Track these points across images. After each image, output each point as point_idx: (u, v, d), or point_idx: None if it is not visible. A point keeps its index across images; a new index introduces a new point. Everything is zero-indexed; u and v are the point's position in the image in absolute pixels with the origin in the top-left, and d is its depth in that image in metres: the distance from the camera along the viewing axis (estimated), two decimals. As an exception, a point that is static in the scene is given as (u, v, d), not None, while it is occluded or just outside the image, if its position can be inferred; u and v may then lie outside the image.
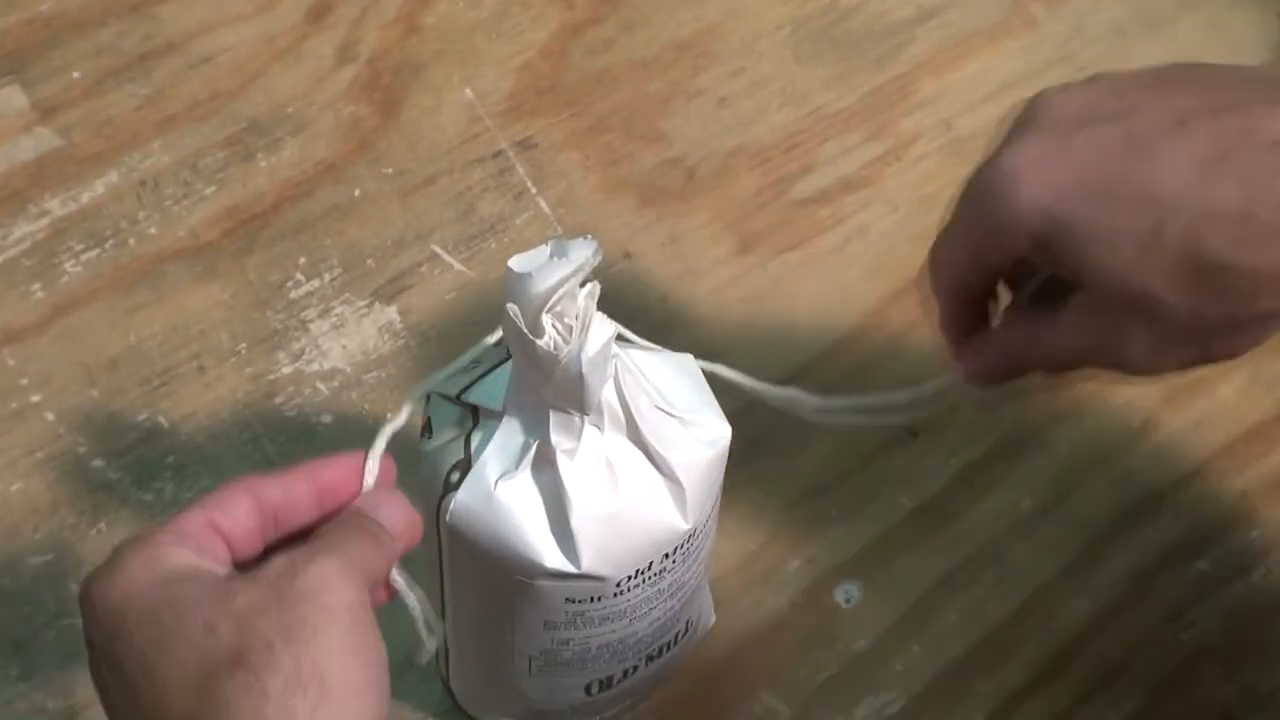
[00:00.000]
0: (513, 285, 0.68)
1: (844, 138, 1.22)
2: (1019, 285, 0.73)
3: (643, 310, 1.12)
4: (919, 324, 1.12)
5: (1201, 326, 0.61)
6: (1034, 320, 0.69)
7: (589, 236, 0.68)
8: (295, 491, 0.66)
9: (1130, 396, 1.10)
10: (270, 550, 0.66)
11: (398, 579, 0.70)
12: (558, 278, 0.67)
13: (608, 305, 1.11)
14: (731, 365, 1.08)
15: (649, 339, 1.10)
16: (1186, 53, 1.27)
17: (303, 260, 1.13)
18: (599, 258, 0.68)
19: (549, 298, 0.68)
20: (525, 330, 0.68)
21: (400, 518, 0.68)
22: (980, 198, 0.64)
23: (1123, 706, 0.99)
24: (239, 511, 0.64)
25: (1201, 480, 1.08)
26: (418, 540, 0.71)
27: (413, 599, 0.71)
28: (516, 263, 0.68)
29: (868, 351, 1.11)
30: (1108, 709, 0.99)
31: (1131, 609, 1.03)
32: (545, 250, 0.68)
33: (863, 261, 1.15)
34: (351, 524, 0.65)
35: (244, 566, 0.64)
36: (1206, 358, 0.63)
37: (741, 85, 1.22)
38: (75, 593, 0.97)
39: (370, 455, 0.71)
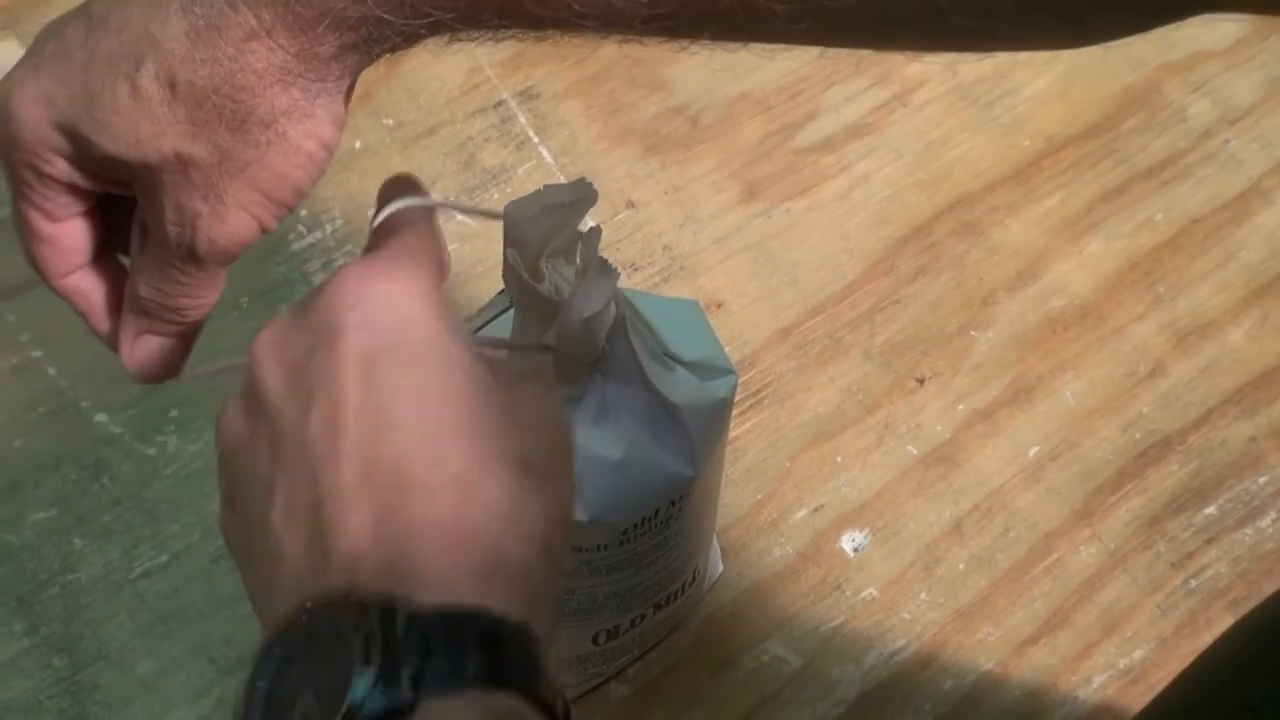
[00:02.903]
0: (510, 231, 0.68)
1: (848, 84, 1.21)
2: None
3: (646, 259, 1.11)
4: (926, 270, 1.11)
5: (227, 160, 0.58)
6: (133, 270, 0.66)
7: (584, 178, 0.68)
8: None
9: (1139, 342, 1.10)
10: None
11: None
12: (553, 221, 0.67)
13: (611, 254, 1.11)
14: (738, 313, 1.08)
15: (652, 289, 1.10)
16: None
17: (304, 212, 1.12)
18: (594, 199, 0.67)
19: (546, 242, 0.67)
20: (526, 276, 0.68)
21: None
22: (7, 145, 0.61)
23: (1132, 654, 0.99)
24: (440, 270, 0.59)
25: (1210, 426, 1.07)
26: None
27: None
28: (513, 208, 0.67)
29: (874, 298, 1.11)
30: (1117, 656, 0.99)
31: (1140, 555, 1.02)
32: (541, 195, 0.67)
33: (867, 208, 1.15)
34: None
35: None
36: (268, 197, 0.59)
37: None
38: (79, 547, 0.98)
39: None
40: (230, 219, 0.59)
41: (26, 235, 0.64)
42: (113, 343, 0.66)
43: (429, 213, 0.61)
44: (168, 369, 0.66)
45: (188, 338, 0.66)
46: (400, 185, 0.62)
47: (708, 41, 0.60)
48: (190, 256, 0.61)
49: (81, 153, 0.59)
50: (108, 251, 0.66)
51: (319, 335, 0.53)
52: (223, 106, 0.57)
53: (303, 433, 0.52)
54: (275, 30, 0.55)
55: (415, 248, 0.58)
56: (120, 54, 0.57)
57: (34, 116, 0.59)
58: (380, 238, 0.60)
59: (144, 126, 0.57)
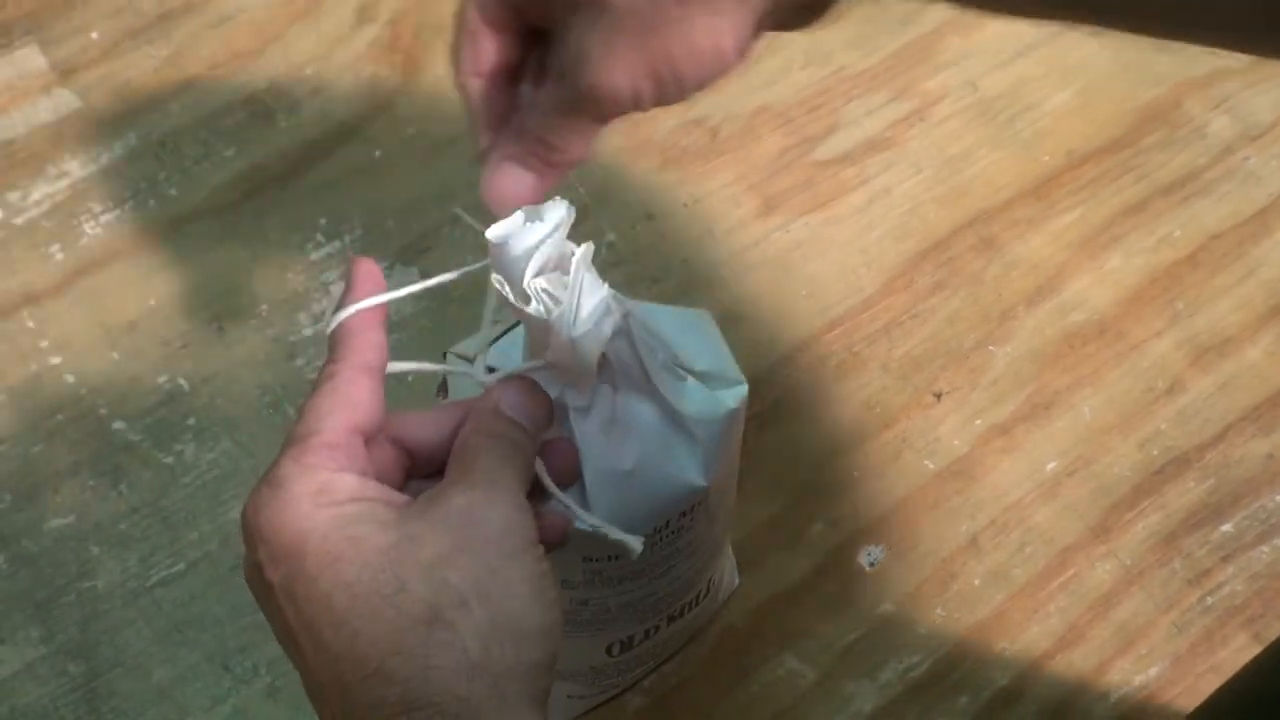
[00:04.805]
0: (494, 255, 0.68)
1: (868, 98, 1.21)
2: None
3: (664, 272, 1.11)
4: (944, 285, 1.11)
5: (635, 16, 0.62)
6: (528, 104, 0.71)
7: (558, 198, 0.68)
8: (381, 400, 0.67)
9: (1157, 358, 1.10)
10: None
11: (545, 477, 0.70)
12: (533, 242, 0.67)
13: (629, 267, 1.11)
14: (756, 327, 1.08)
15: (670, 301, 1.10)
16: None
17: (323, 221, 1.12)
18: (573, 217, 0.68)
19: (527, 263, 0.67)
20: (513, 299, 0.68)
21: (542, 409, 0.69)
22: None
23: (1148, 670, 0.99)
24: (368, 399, 0.65)
25: (1227, 443, 1.07)
26: (547, 427, 0.70)
27: (572, 506, 0.71)
28: (493, 232, 0.68)
29: (892, 312, 1.11)
30: (1133, 673, 0.99)
31: (1156, 572, 1.02)
32: (519, 217, 0.68)
33: (886, 223, 1.15)
34: (501, 435, 0.66)
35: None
36: (653, 70, 0.63)
37: (764, 44, 1.21)
38: (96, 554, 0.99)
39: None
40: (615, 74, 0.62)
41: (458, 29, 0.68)
42: (485, 159, 0.70)
43: (379, 309, 0.68)
44: (514, 200, 0.69)
45: (544, 183, 0.69)
46: (355, 278, 0.68)
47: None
48: (572, 98, 0.64)
49: None
50: (515, 81, 0.69)
51: (251, 561, 0.62)
52: None
53: (275, 628, 0.62)
54: None
55: (326, 415, 0.64)
56: None
57: None
58: (332, 344, 0.67)
59: None
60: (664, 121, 1.19)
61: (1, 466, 1.03)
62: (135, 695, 0.96)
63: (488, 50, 0.68)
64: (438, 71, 1.19)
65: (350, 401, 0.64)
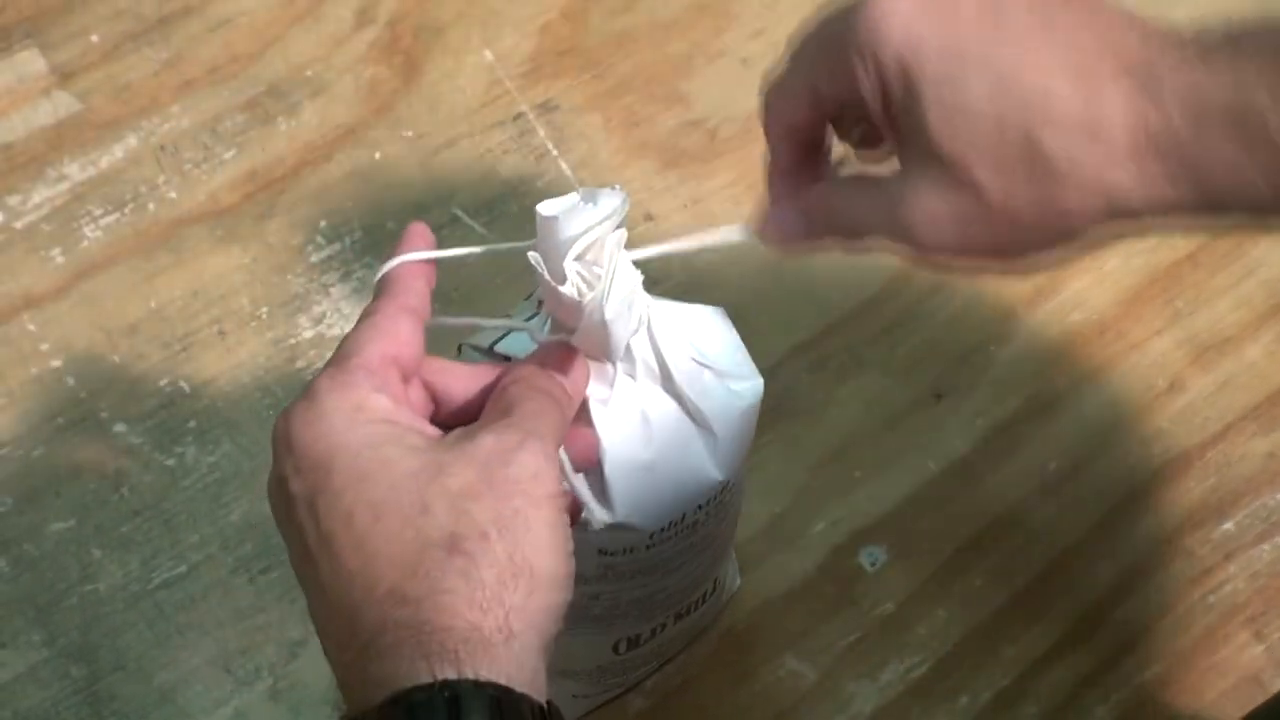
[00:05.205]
0: (540, 231, 0.68)
1: (867, 99, 1.21)
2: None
3: (665, 273, 1.11)
4: (944, 285, 1.11)
5: (1003, 212, 0.62)
6: (841, 181, 0.71)
7: (617, 186, 0.68)
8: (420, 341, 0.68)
9: (1157, 357, 1.10)
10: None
11: (565, 460, 0.70)
12: (584, 225, 0.67)
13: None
14: (757, 328, 1.08)
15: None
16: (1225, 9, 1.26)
17: (323, 224, 1.12)
18: (627, 208, 0.68)
19: (574, 244, 0.67)
20: (548, 276, 0.68)
21: (582, 377, 0.71)
22: (845, 30, 0.65)
23: (1150, 669, 0.99)
24: (408, 337, 0.66)
25: (1228, 442, 1.07)
26: (582, 397, 0.72)
27: (578, 481, 0.72)
28: (545, 207, 0.67)
29: (892, 313, 1.11)
30: (1135, 672, 0.99)
31: (1158, 571, 1.02)
32: (575, 197, 0.68)
33: (886, 223, 1.15)
34: (541, 389, 0.67)
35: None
36: (994, 249, 0.64)
37: (763, 46, 1.22)
38: (97, 558, 0.99)
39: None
40: (944, 239, 0.64)
41: (782, 78, 0.70)
42: (773, 198, 0.73)
43: (425, 266, 0.69)
44: (784, 243, 0.73)
45: (818, 244, 0.72)
46: (406, 238, 0.70)
47: None
48: (887, 223, 0.66)
49: (892, 100, 0.64)
50: (824, 129, 0.71)
51: (276, 475, 0.62)
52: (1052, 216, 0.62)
53: (290, 546, 0.62)
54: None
55: (365, 344, 0.65)
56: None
57: (897, 47, 0.63)
58: (377, 291, 0.68)
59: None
60: (663, 123, 1.19)
61: (2, 470, 1.03)
62: (137, 698, 0.96)
63: (805, 111, 0.69)
64: (438, 73, 1.19)
65: (388, 333, 0.65)
